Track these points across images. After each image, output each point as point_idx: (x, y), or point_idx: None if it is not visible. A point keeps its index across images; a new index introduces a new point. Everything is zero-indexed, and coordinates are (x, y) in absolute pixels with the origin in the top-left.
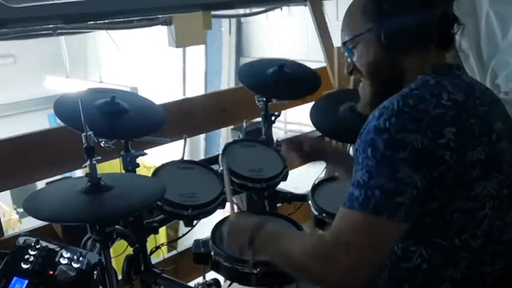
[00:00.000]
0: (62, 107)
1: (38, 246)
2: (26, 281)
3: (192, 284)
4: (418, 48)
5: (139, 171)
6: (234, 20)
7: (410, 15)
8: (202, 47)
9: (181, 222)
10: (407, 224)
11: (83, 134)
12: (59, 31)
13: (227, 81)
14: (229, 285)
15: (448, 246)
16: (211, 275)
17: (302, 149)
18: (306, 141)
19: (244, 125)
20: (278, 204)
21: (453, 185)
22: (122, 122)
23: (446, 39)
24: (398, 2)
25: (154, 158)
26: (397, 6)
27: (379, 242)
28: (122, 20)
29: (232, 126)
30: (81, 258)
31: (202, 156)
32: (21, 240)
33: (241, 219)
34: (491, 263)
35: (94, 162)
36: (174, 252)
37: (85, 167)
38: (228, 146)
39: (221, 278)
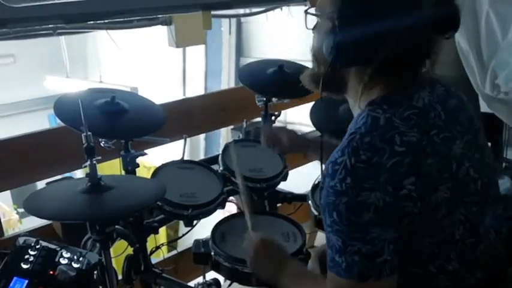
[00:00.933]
0: (62, 107)
1: (38, 246)
2: (26, 281)
3: (192, 284)
4: (358, 64)
5: (139, 171)
6: (234, 20)
7: (365, 26)
8: (202, 47)
9: (181, 222)
10: (396, 274)
11: (83, 134)
12: (59, 31)
13: (227, 81)
14: (229, 285)
15: (424, 273)
16: (211, 275)
17: (280, 142)
18: (285, 135)
19: (244, 125)
20: (278, 204)
21: (420, 229)
22: (122, 122)
23: (398, 63)
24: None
25: (154, 158)
26: (360, 10)
27: None
28: (121, 20)
29: (232, 126)
30: (81, 258)
31: (202, 156)
32: (21, 240)
33: (266, 249)
34: (473, 275)
35: (94, 162)
36: (174, 252)
37: (85, 167)
38: (228, 146)
39: (221, 278)
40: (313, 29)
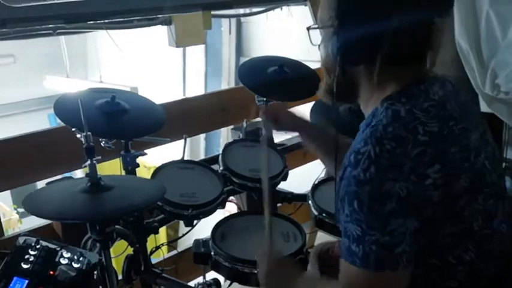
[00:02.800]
0: (62, 106)
1: (38, 246)
2: (26, 281)
3: (192, 284)
4: (364, 63)
5: (139, 171)
6: (234, 20)
7: (363, 25)
8: (202, 47)
9: (181, 222)
10: (411, 266)
11: (83, 134)
12: (59, 31)
13: (227, 81)
14: (229, 285)
15: (443, 265)
16: (211, 275)
17: (278, 118)
18: (284, 112)
19: (244, 125)
20: (278, 204)
21: (441, 218)
22: (122, 122)
23: (400, 55)
24: (359, 7)
25: (154, 158)
26: (356, 12)
27: None
28: (122, 20)
29: (232, 126)
30: (81, 258)
31: (202, 156)
32: (21, 240)
33: (280, 269)
34: (486, 267)
35: (94, 162)
36: (174, 252)
37: (85, 167)
38: (228, 146)
39: (221, 278)
40: (319, 45)
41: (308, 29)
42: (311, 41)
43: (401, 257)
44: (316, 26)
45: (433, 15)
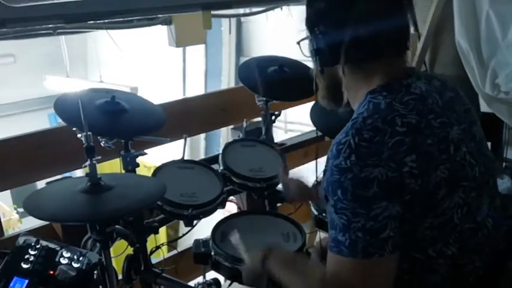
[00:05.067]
0: (63, 105)
1: (38, 246)
2: (26, 281)
3: (192, 284)
4: (350, 64)
5: (139, 171)
6: (234, 20)
7: (335, 26)
8: (202, 47)
9: (181, 222)
10: (397, 252)
11: (83, 134)
12: (59, 31)
13: (227, 81)
14: (229, 285)
15: (424, 258)
16: (211, 274)
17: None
18: (295, 186)
19: (244, 124)
20: (278, 204)
21: (421, 208)
22: (122, 121)
23: (376, 48)
24: (323, 14)
25: (154, 157)
26: (322, 18)
27: (379, 278)
28: (122, 20)
29: (232, 126)
30: (81, 258)
31: (202, 156)
32: (21, 240)
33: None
34: (471, 263)
35: (94, 162)
36: (174, 252)
37: (85, 167)
38: (228, 146)
39: (221, 278)
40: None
41: (298, 42)
42: (303, 54)
43: (387, 242)
44: (305, 37)
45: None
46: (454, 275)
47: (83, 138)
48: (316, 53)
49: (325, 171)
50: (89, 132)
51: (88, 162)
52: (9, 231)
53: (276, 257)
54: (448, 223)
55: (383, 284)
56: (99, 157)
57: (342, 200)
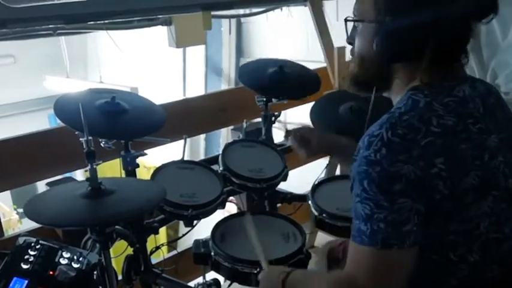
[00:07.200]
0: (62, 107)
1: (38, 247)
2: (26, 281)
3: (192, 284)
4: (410, 59)
5: (139, 171)
6: (234, 20)
7: (408, 18)
8: (202, 47)
9: (181, 222)
10: (417, 247)
11: (84, 139)
12: (59, 31)
13: (227, 81)
14: (229, 285)
15: (444, 261)
16: (211, 275)
17: (309, 143)
18: (314, 136)
19: (244, 125)
20: (278, 204)
21: (447, 211)
22: (122, 122)
23: (445, 53)
24: (405, 3)
25: (154, 158)
26: (401, 6)
27: (395, 270)
28: (122, 20)
29: (232, 126)
30: (81, 259)
31: (202, 156)
32: (21, 240)
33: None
34: (491, 270)
35: (94, 167)
36: (174, 252)
37: (86, 171)
38: (228, 147)
39: (221, 278)
40: (349, 37)
41: (346, 20)
42: (347, 33)
43: (409, 236)
44: (356, 18)
45: (474, 17)
46: (471, 281)
47: (83, 142)
48: (389, 45)
49: (354, 160)
50: (90, 137)
51: (89, 167)
52: (9, 232)
53: (297, 276)
54: (473, 231)
55: (398, 277)
56: (100, 162)
57: (367, 190)
